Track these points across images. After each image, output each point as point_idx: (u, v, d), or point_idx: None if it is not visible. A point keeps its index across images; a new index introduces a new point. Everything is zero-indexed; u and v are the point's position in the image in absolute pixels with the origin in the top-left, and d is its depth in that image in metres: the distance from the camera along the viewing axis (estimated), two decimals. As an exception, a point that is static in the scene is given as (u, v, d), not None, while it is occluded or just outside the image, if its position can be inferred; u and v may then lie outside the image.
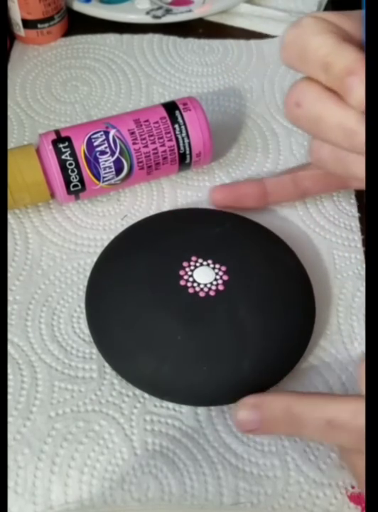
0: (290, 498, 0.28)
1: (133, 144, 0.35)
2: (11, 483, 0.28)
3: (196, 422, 0.30)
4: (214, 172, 0.40)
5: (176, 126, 0.36)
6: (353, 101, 0.24)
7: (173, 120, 0.36)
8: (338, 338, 0.33)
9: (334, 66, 0.24)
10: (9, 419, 0.30)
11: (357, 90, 0.23)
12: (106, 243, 0.35)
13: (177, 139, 0.36)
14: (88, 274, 0.34)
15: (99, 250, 0.35)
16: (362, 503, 0.28)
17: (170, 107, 0.37)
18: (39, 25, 0.47)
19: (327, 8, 0.52)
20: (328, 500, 0.28)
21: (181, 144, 0.36)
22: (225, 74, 0.47)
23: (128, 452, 0.29)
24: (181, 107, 0.37)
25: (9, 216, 0.37)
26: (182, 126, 0.36)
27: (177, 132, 0.36)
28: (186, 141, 0.36)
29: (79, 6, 0.49)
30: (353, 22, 0.25)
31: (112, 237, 0.36)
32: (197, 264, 0.32)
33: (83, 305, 0.33)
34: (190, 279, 0.31)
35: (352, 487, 0.29)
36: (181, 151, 0.37)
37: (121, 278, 0.32)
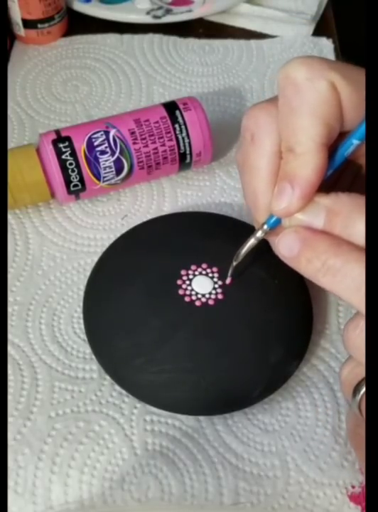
0: (290, 498, 0.28)
1: (134, 143, 0.35)
2: (11, 483, 0.28)
3: (196, 421, 0.30)
4: (215, 172, 0.40)
5: (176, 126, 0.36)
6: None
7: (173, 120, 0.36)
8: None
9: None
10: (9, 419, 0.30)
11: None
12: (106, 243, 0.35)
13: (177, 138, 0.36)
14: (88, 274, 0.34)
15: (100, 250, 0.35)
16: (362, 503, 0.28)
17: (171, 107, 0.37)
18: (39, 25, 0.47)
19: (327, 8, 0.52)
20: (328, 500, 0.28)
21: (181, 144, 0.36)
22: (225, 74, 0.47)
23: (128, 452, 0.29)
24: (181, 106, 0.37)
25: (9, 216, 0.37)
26: (183, 126, 0.36)
27: (178, 132, 0.36)
28: (186, 140, 0.36)
29: (79, 6, 0.49)
30: None
31: (112, 236, 0.36)
32: (196, 273, 0.32)
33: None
34: (188, 289, 0.31)
35: (352, 487, 0.29)
36: (181, 151, 0.37)
37: (117, 288, 0.32)
